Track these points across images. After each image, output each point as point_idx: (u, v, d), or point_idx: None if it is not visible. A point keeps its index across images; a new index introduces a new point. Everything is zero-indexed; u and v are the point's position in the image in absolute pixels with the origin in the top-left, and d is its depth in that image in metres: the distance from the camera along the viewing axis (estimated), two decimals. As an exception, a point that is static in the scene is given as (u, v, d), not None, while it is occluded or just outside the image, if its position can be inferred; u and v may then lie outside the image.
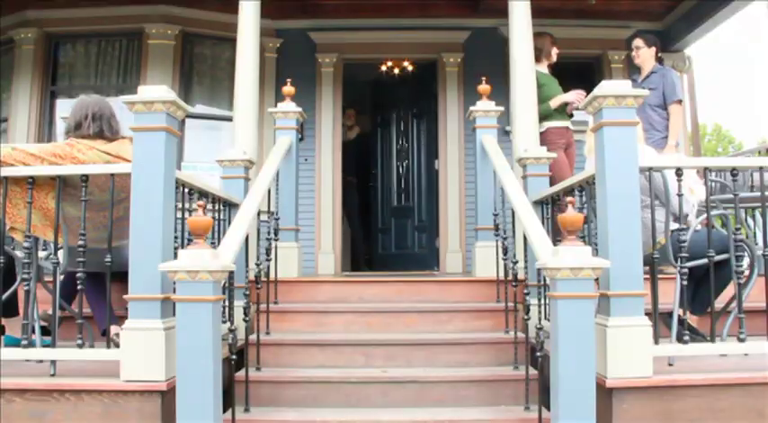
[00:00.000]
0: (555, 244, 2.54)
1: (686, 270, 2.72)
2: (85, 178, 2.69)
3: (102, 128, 3.01)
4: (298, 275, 4.07)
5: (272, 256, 3.39)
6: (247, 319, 3.00)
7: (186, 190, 2.99)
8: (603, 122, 2.60)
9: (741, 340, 2.66)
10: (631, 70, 6.23)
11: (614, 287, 2.53)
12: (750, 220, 4.55)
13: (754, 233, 4.44)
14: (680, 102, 4.59)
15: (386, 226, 6.93)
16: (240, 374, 2.90)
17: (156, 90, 2.60)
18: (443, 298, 3.82)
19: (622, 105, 2.59)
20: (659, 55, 4.82)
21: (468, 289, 3.87)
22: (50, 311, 2.96)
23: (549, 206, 3.58)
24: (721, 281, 3.01)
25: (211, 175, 5.70)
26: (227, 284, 3.10)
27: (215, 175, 5.50)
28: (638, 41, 4.77)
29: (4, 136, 5.98)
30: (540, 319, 3.25)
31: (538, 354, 2.56)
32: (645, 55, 4.72)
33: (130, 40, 6.08)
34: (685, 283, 2.74)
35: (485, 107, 4.21)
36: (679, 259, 2.71)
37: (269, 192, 3.51)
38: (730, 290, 3.01)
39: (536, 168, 3.75)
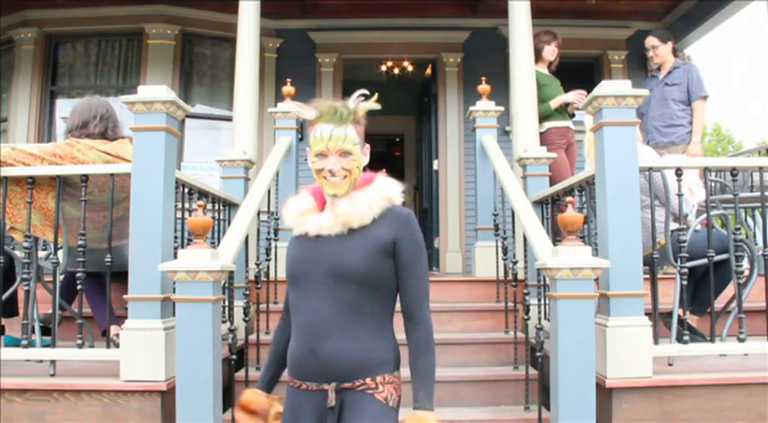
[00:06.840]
0: (555, 244, 2.54)
1: (686, 270, 2.72)
2: (85, 178, 2.69)
3: (107, 127, 3.04)
4: (297, 275, 4.06)
5: (272, 256, 3.39)
6: (247, 319, 3.00)
7: (186, 190, 2.99)
8: (603, 122, 2.60)
9: (741, 340, 2.66)
10: (631, 70, 6.26)
11: (614, 287, 2.54)
12: (750, 220, 4.54)
13: (754, 233, 4.44)
14: (705, 98, 4.53)
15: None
16: (240, 374, 2.90)
17: (156, 90, 2.60)
18: (443, 298, 3.82)
19: (622, 105, 2.59)
20: (675, 48, 4.79)
21: (468, 289, 3.87)
22: (50, 312, 2.96)
23: (549, 206, 3.58)
24: (721, 281, 3.01)
25: (211, 175, 5.71)
26: (227, 284, 3.10)
27: (215, 175, 5.51)
28: (652, 41, 4.67)
29: (4, 136, 5.98)
30: (540, 319, 3.25)
31: (538, 354, 2.56)
32: (663, 52, 4.64)
33: (130, 40, 6.08)
34: (685, 283, 2.74)
35: (485, 107, 4.21)
36: (679, 259, 2.71)
37: (269, 192, 3.51)
38: (730, 290, 3.01)
39: (536, 168, 3.75)
